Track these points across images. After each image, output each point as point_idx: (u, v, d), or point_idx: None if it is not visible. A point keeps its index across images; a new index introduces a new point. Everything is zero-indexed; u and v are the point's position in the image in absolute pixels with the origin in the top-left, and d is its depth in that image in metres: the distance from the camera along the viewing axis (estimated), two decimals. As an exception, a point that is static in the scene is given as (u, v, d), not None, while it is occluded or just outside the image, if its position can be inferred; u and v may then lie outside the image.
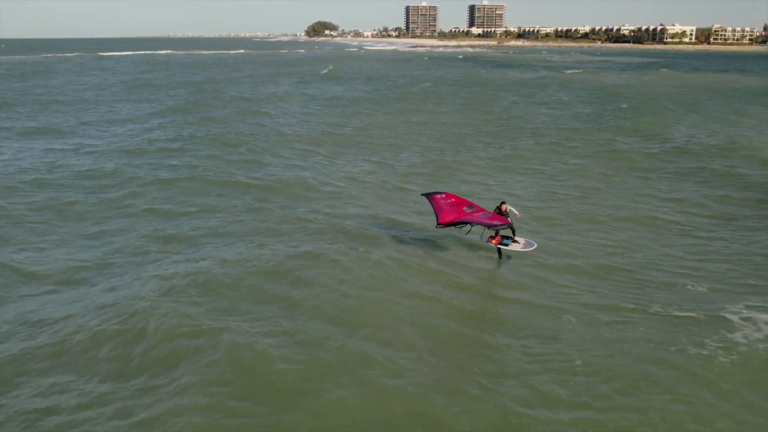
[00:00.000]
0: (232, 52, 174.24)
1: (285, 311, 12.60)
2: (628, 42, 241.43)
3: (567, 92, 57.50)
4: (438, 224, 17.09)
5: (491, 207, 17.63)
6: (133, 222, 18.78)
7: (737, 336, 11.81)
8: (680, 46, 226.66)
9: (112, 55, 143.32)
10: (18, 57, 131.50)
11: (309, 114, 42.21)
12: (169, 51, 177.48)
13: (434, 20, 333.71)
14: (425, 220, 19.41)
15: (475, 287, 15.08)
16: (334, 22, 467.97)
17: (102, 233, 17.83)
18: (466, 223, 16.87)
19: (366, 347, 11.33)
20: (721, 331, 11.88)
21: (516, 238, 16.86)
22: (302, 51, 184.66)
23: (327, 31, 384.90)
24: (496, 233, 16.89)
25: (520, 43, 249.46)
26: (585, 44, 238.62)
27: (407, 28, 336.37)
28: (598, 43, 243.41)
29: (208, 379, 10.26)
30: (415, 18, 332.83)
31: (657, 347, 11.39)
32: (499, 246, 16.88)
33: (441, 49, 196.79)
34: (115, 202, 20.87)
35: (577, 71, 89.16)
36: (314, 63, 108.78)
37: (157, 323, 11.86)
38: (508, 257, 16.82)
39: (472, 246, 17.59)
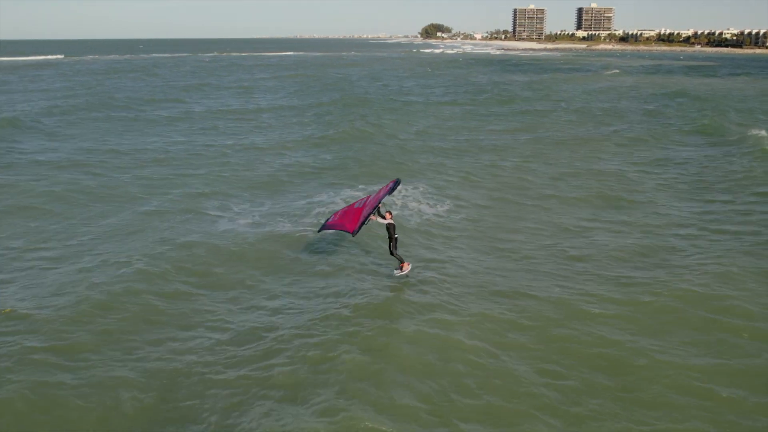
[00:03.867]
0: (345, 53, 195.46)
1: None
2: (728, 46, 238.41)
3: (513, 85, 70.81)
4: (353, 234, 15.62)
5: None
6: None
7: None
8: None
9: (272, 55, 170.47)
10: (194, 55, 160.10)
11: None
12: (291, 52, 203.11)
13: (541, 23, 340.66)
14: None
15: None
16: (448, 24, 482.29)
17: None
18: (368, 215, 15.56)
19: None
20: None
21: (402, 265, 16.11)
22: (401, 52, 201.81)
23: (439, 33, 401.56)
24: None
25: (610, 46, 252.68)
26: (678, 48, 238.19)
27: (514, 30, 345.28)
28: (697, 48, 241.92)
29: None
30: (522, 21, 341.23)
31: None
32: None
33: (523, 53, 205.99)
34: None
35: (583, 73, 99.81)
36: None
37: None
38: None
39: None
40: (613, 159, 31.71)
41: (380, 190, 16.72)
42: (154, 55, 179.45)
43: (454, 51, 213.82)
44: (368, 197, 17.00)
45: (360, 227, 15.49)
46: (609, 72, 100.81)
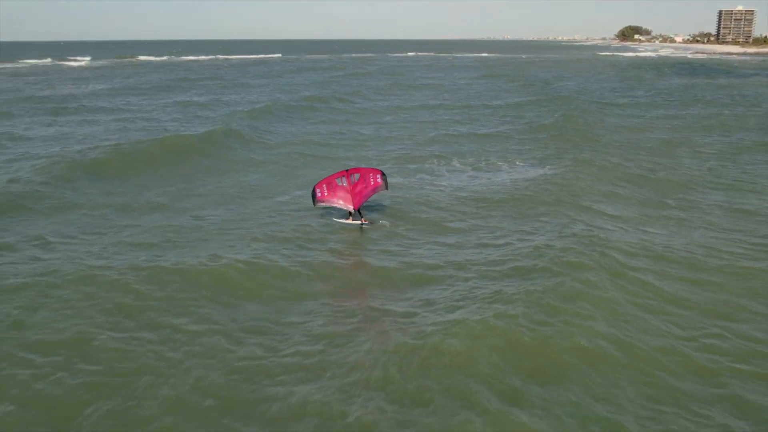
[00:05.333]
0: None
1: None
2: None
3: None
4: (356, 209, 21.74)
5: None
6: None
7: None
8: None
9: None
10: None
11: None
12: (485, 54, 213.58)
13: (750, 25, 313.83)
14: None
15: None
16: (648, 26, 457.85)
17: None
18: (368, 197, 22.05)
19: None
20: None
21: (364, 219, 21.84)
22: (591, 54, 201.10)
23: (636, 36, 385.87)
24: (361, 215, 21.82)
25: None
26: None
27: (717, 33, 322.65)
28: None
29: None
30: (728, 23, 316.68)
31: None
32: (362, 224, 21.63)
33: (721, 57, 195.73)
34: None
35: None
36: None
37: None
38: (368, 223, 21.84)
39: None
40: (688, 160, 34.97)
41: (369, 180, 21.93)
42: (353, 55, 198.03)
43: (648, 54, 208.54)
44: (349, 173, 21.85)
45: (362, 203, 21.85)
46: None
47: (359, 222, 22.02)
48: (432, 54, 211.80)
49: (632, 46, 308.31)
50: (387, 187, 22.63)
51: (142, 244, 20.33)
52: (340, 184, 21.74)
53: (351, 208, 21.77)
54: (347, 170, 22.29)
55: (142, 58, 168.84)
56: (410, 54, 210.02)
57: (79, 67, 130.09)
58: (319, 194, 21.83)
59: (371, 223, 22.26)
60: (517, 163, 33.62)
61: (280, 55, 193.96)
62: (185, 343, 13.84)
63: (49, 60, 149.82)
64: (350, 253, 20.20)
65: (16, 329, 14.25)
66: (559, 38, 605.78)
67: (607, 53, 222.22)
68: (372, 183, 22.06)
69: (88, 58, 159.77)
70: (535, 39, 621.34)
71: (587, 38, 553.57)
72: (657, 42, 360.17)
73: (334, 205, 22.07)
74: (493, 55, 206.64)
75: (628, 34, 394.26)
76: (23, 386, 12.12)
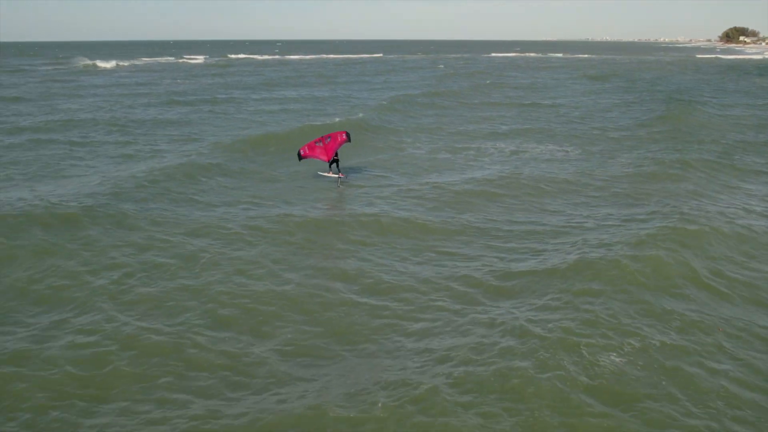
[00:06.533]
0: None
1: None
2: None
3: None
4: (329, 161, 27.36)
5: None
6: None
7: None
8: None
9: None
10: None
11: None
12: (585, 55, 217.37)
13: None
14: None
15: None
16: (756, 27, 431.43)
17: None
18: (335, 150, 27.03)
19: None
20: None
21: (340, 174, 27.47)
22: (686, 56, 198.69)
23: (742, 37, 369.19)
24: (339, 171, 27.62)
25: None
26: None
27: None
28: None
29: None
30: None
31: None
32: (339, 177, 27.36)
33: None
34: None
35: None
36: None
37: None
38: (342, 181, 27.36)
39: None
40: (697, 145, 40.07)
41: (337, 138, 27.29)
42: (450, 55, 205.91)
43: (751, 57, 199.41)
44: (323, 138, 27.28)
45: (333, 156, 27.15)
46: None
47: (337, 176, 27.86)
48: (532, 54, 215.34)
49: (737, 48, 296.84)
50: (350, 140, 28.22)
51: (251, 198, 28.35)
52: (318, 145, 27.38)
53: (325, 159, 27.41)
54: (322, 137, 27.93)
55: (252, 56, 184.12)
56: (507, 55, 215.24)
57: (197, 64, 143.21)
58: (302, 153, 27.49)
59: (346, 177, 28.26)
60: (547, 152, 39.01)
61: (381, 54, 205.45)
62: (265, 246, 21.80)
63: (172, 58, 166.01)
64: (387, 212, 24.16)
65: (187, 236, 23.19)
66: (660, 40, 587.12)
67: (708, 55, 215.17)
68: (339, 140, 27.57)
69: (203, 57, 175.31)
70: (635, 41, 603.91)
71: (690, 40, 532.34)
72: (764, 44, 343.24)
73: (313, 158, 27.85)
74: (586, 56, 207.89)
75: (732, 35, 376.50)
76: (186, 258, 21.22)
